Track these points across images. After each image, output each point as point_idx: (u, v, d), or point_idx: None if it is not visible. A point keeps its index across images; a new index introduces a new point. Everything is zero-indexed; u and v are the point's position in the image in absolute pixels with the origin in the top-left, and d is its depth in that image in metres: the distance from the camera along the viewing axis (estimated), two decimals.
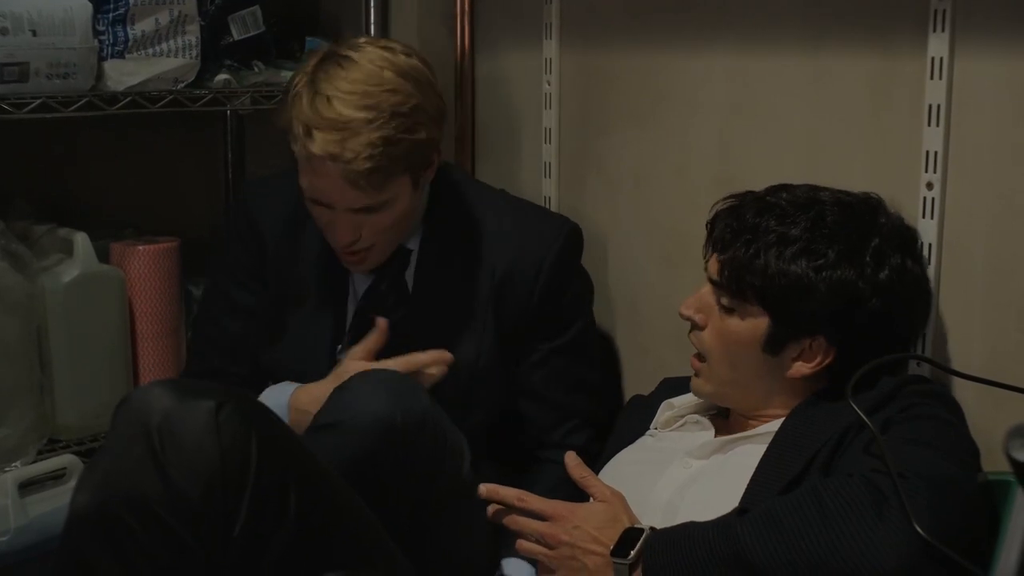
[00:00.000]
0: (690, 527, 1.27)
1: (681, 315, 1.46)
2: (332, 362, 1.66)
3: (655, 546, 1.27)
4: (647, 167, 1.83)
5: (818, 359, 1.39)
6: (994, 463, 1.29)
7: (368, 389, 1.37)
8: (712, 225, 1.47)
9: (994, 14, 1.39)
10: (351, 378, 1.42)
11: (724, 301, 1.41)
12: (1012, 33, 1.37)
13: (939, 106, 1.44)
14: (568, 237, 1.70)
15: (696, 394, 1.50)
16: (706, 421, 1.49)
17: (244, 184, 1.78)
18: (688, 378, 1.53)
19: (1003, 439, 0.83)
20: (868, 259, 1.37)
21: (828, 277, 1.35)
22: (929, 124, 1.45)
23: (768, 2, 1.64)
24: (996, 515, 1.26)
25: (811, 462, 1.30)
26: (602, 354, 1.87)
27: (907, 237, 1.42)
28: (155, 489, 1.20)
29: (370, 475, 1.34)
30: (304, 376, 1.65)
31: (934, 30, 1.43)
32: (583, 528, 1.34)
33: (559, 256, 1.67)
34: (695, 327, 1.45)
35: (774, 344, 1.39)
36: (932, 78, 1.44)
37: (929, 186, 1.46)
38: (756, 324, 1.39)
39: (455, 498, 1.44)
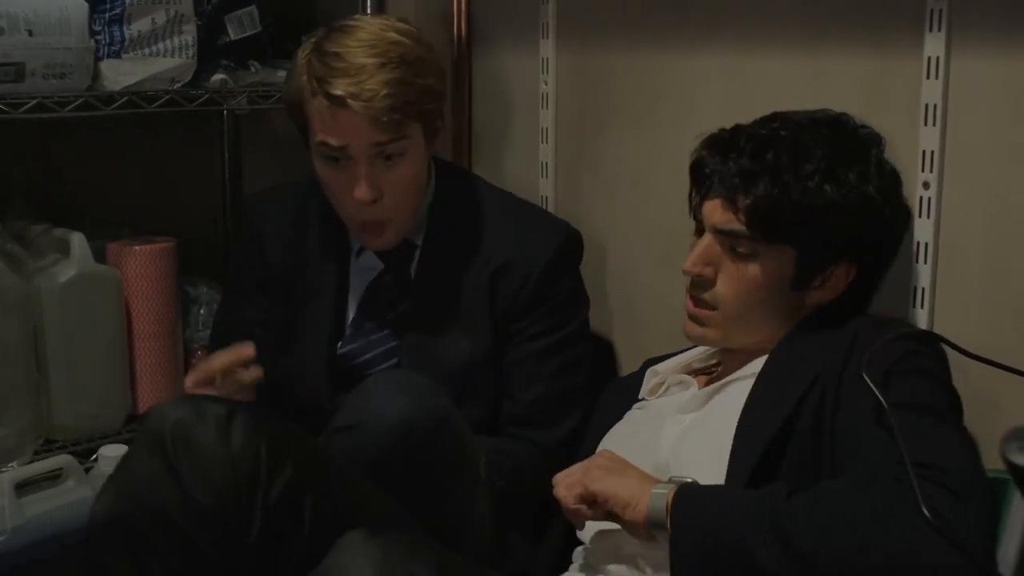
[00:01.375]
0: (723, 489, 1.25)
1: (688, 272, 1.40)
2: (332, 361, 1.67)
3: (689, 492, 1.24)
4: (644, 167, 1.83)
5: (841, 283, 1.38)
6: (990, 461, 1.29)
7: (389, 391, 1.37)
8: (700, 170, 1.42)
9: (990, 14, 1.39)
10: (370, 379, 1.42)
11: (743, 248, 1.36)
12: (1008, 33, 1.37)
13: (935, 106, 1.44)
14: (567, 240, 1.70)
15: (698, 342, 1.45)
16: (688, 379, 1.47)
17: (247, 200, 1.80)
18: (673, 354, 1.52)
19: (1000, 443, 0.83)
20: (873, 171, 1.37)
21: (855, 198, 1.34)
22: (925, 124, 1.45)
23: (765, 2, 1.64)
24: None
25: (801, 402, 1.27)
26: (598, 354, 1.87)
27: (881, 138, 1.42)
28: (171, 497, 1.22)
29: (388, 477, 1.33)
30: (306, 378, 1.66)
31: (930, 30, 1.43)
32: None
33: (555, 256, 1.67)
34: (704, 283, 1.39)
35: (803, 279, 1.37)
36: (928, 78, 1.44)
37: (925, 185, 1.46)
38: (781, 263, 1.36)
39: (472, 500, 1.44)
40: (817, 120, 1.40)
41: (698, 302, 1.41)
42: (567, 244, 1.70)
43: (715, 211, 1.38)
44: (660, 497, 1.23)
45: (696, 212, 1.43)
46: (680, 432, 1.38)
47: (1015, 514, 0.97)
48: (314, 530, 1.25)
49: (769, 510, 1.19)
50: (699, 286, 1.40)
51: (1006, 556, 0.94)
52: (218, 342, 1.82)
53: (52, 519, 1.64)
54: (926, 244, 1.47)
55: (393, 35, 1.57)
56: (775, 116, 1.42)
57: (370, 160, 1.56)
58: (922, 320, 1.48)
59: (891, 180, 1.40)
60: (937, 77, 1.43)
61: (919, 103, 1.45)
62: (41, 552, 1.62)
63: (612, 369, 1.90)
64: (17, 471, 1.69)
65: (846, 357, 1.29)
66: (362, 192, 1.57)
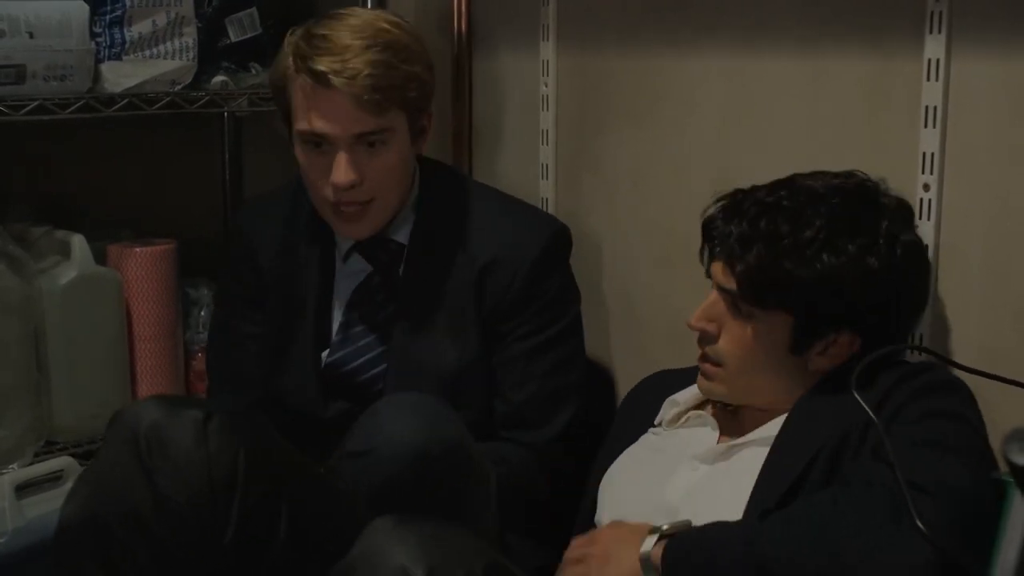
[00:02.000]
0: (711, 529, 1.26)
1: (692, 328, 1.42)
2: (320, 370, 1.66)
3: (678, 543, 1.26)
4: (644, 168, 1.84)
5: (844, 352, 1.37)
6: None
7: (399, 414, 1.36)
8: (710, 230, 1.44)
9: (990, 15, 1.39)
10: (382, 402, 1.41)
11: (743, 309, 1.38)
12: (1008, 35, 1.37)
13: (935, 108, 1.44)
14: (554, 237, 1.69)
15: (707, 395, 1.46)
16: (708, 416, 1.47)
17: (239, 209, 1.78)
18: (690, 369, 1.53)
19: (1001, 442, 0.83)
20: (882, 243, 1.36)
21: (852, 270, 1.34)
22: (926, 126, 1.45)
23: (765, 2, 1.64)
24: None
25: (811, 465, 1.28)
26: (598, 355, 1.88)
27: (909, 212, 1.42)
28: (144, 499, 1.21)
29: (400, 502, 1.31)
30: (297, 389, 1.66)
31: (930, 32, 1.43)
32: (606, 532, 1.37)
33: (543, 252, 1.65)
34: (708, 338, 1.42)
35: (800, 345, 1.37)
36: (928, 80, 1.44)
37: (926, 187, 1.46)
38: (779, 327, 1.36)
39: (481, 516, 1.43)
40: (832, 188, 1.39)
41: (704, 356, 1.43)
42: (555, 240, 1.69)
43: (718, 271, 1.41)
44: (648, 564, 1.26)
45: (708, 268, 1.45)
46: (693, 482, 1.39)
47: (1015, 514, 0.97)
48: (289, 538, 1.24)
49: (741, 532, 1.21)
50: (704, 341, 1.42)
51: (1006, 556, 0.94)
52: (216, 361, 1.81)
53: (53, 521, 1.62)
54: (926, 246, 1.47)
55: (383, 24, 1.57)
56: (790, 181, 1.42)
57: (351, 147, 1.54)
58: (922, 322, 1.48)
59: (904, 253, 1.37)
60: (937, 79, 1.43)
61: (919, 105, 1.45)
62: (42, 554, 1.61)
63: (611, 370, 1.91)
64: (18, 473, 1.69)
65: (875, 410, 1.26)
66: (340, 175, 1.54)
